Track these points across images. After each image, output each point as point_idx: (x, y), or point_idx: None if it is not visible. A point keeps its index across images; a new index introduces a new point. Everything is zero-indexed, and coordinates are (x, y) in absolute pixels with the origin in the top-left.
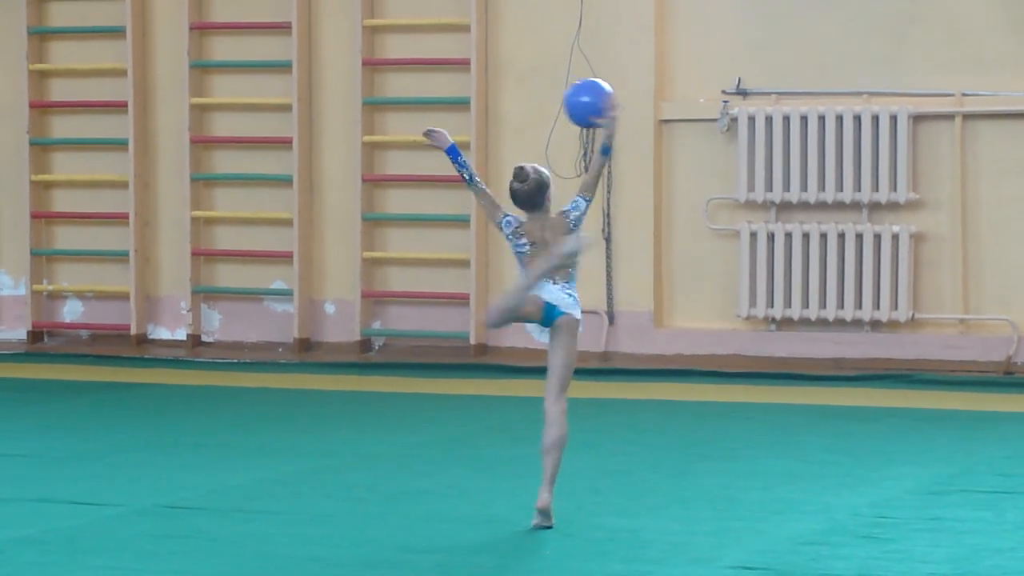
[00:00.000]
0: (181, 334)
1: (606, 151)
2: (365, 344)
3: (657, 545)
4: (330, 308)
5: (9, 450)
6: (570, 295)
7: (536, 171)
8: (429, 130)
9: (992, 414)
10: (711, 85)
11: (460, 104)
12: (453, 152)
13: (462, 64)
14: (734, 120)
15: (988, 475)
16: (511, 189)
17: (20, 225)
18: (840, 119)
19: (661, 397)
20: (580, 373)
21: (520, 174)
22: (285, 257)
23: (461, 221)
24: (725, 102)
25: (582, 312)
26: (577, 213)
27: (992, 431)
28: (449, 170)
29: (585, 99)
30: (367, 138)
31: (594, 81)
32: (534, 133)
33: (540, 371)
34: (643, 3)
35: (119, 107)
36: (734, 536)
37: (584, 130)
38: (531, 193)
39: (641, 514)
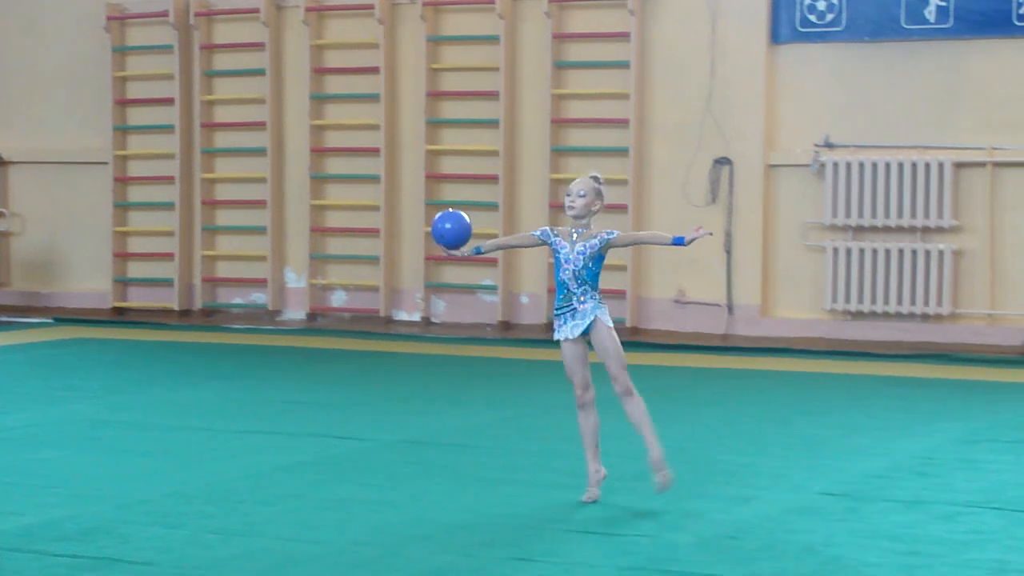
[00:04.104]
0: (416, 316)
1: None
2: (548, 326)
3: (764, 476)
4: (524, 299)
5: (294, 398)
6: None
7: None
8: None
9: (1012, 384)
10: (806, 139)
11: None
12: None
13: None
14: (823, 165)
15: (1010, 429)
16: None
17: (302, 237)
18: (901, 166)
19: (768, 368)
20: (705, 351)
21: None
22: (491, 262)
23: None
24: (816, 152)
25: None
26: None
27: (1012, 397)
28: None
29: (448, 226)
30: None
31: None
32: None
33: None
34: (755, 79)
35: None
36: (821, 471)
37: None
38: None
39: (752, 453)
